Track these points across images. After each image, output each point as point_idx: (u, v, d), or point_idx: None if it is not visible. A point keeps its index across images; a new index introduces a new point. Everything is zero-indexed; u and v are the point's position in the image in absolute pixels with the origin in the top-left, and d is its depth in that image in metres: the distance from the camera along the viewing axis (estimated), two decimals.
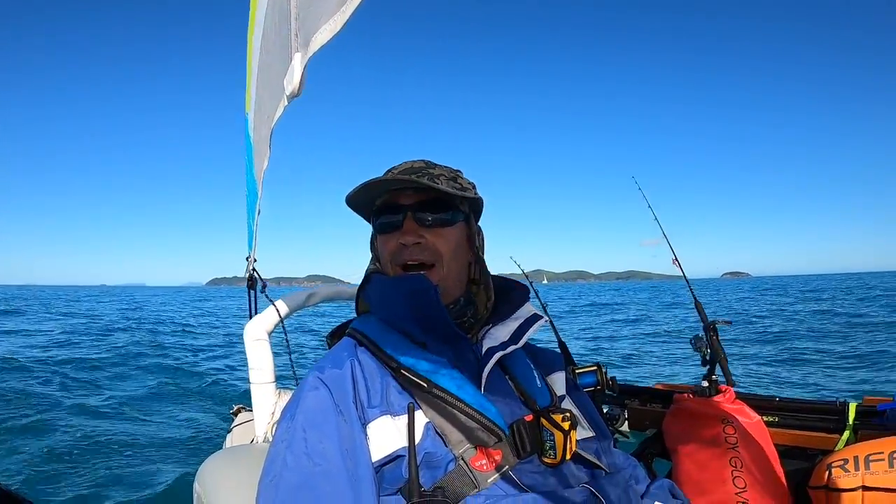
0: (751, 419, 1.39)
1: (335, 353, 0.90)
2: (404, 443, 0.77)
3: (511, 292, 0.99)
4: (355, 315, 1.02)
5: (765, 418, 1.43)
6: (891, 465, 1.09)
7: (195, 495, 1.03)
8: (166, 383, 6.63)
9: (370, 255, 1.01)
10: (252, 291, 1.50)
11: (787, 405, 1.54)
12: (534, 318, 0.96)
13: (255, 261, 1.49)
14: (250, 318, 1.25)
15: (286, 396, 1.16)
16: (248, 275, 1.49)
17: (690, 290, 2.05)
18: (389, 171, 0.94)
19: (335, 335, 1.01)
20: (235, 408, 1.71)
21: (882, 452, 1.15)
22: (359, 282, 1.01)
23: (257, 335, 1.17)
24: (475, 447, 0.79)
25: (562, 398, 0.96)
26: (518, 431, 0.83)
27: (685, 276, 2.13)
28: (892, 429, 1.27)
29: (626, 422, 1.91)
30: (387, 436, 0.79)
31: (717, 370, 1.69)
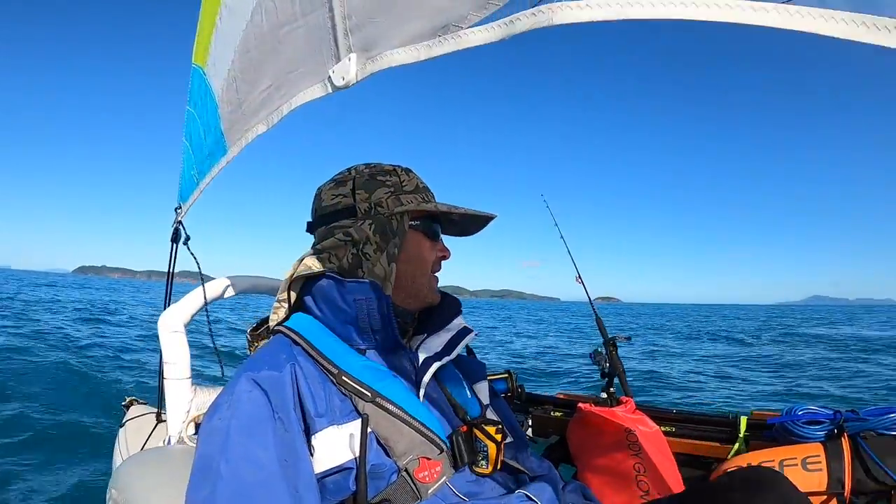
0: (650, 429, 1.50)
1: (270, 353, 0.84)
2: (351, 454, 0.76)
3: (444, 302, 1.00)
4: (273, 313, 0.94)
5: (663, 428, 1.55)
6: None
7: (110, 502, 0.95)
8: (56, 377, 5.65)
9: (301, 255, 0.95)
10: (174, 245, 1.48)
11: (684, 417, 1.69)
12: (465, 331, 0.98)
13: (184, 213, 1.47)
14: (168, 284, 1.18)
15: (203, 394, 1.08)
16: (173, 227, 1.47)
17: (593, 308, 2.19)
18: (411, 176, 0.97)
19: (258, 332, 0.95)
20: (127, 400, 1.62)
21: (772, 461, 1.28)
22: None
23: (173, 326, 1.11)
24: (418, 458, 0.79)
25: (486, 407, 0.99)
26: (456, 443, 0.85)
27: (588, 296, 2.26)
28: (780, 440, 1.41)
29: (531, 428, 1.99)
30: (334, 447, 0.76)
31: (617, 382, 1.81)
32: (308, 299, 0.90)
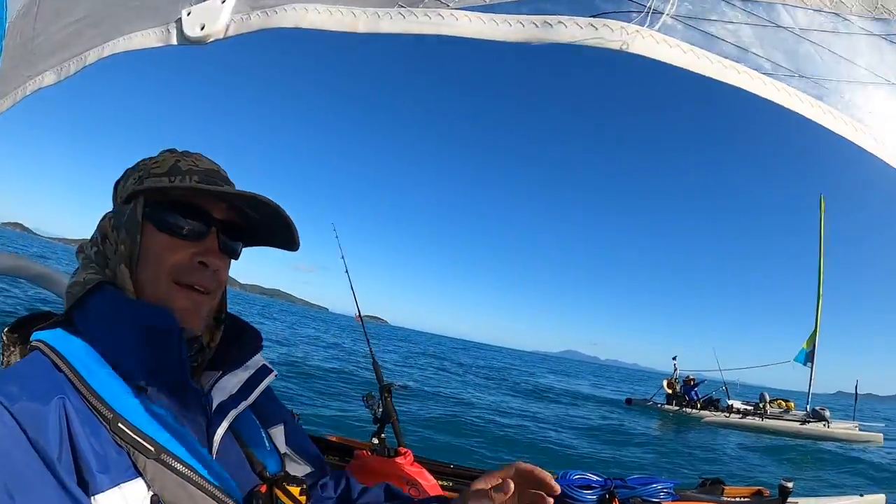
0: (429, 482, 1.54)
1: (29, 375, 0.63)
2: None
3: (243, 335, 0.85)
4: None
5: (441, 483, 1.61)
6: None
7: None
8: None
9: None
10: None
11: (461, 472, 1.79)
12: (265, 371, 0.86)
13: None
14: None
15: None
16: None
17: (370, 350, 2.19)
18: (183, 159, 0.74)
19: (20, 333, 0.71)
20: None
21: None
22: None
23: None
24: None
25: (285, 457, 0.87)
26: None
27: (366, 334, 2.28)
28: (554, 501, 1.61)
29: None
30: None
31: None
32: (77, 313, 0.70)
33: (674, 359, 16.79)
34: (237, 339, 0.83)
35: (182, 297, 0.70)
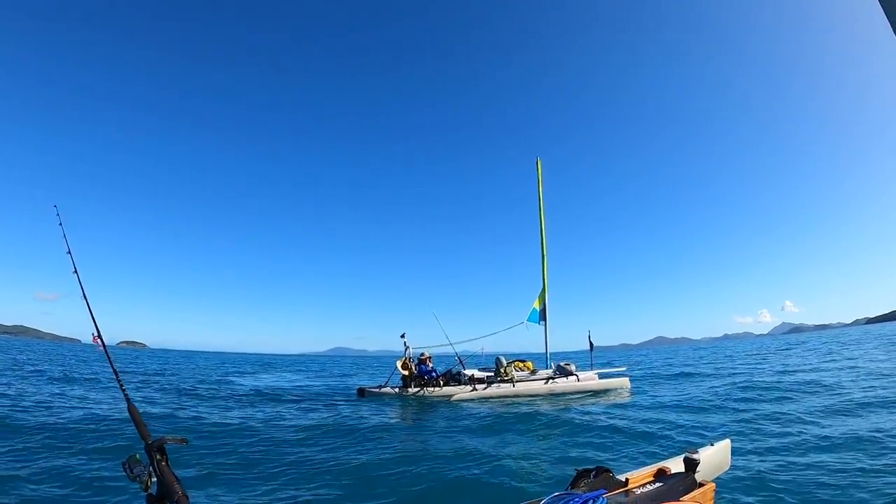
0: None
1: None
2: None
3: None
4: None
5: None
6: None
7: None
8: None
9: None
10: None
11: None
12: None
13: None
14: None
15: None
16: None
17: (121, 386, 1.66)
18: None
19: None
20: None
21: None
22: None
23: None
24: None
25: None
26: None
27: (111, 361, 1.73)
28: None
29: None
30: None
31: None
32: None
33: (402, 336, 14.22)
34: None
35: None
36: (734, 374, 15.86)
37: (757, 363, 20.33)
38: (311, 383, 18.99)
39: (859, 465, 4.68)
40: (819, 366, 16.27)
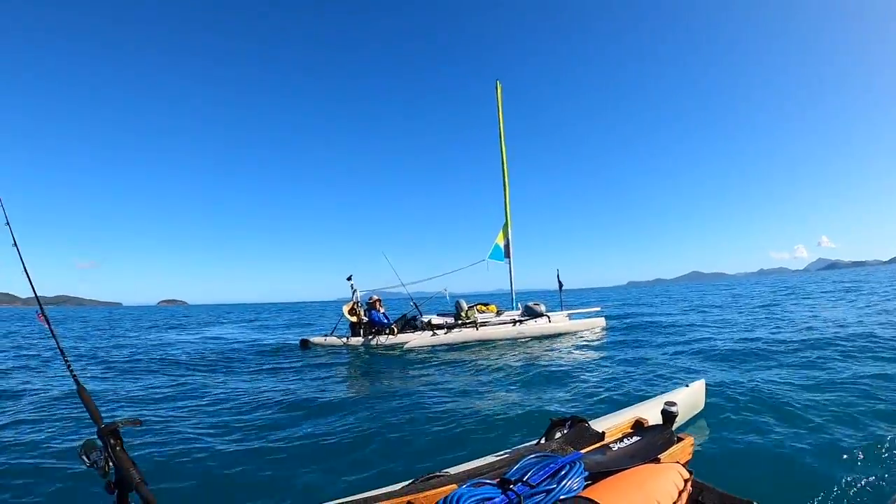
0: None
1: None
2: None
3: None
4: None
5: None
6: None
7: None
8: None
9: None
10: None
11: None
12: None
13: None
14: None
15: None
16: None
17: (65, 359, 1.62)
18: None
19: None
20: None
21: None
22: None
23: None
24: None
25: None
26: None
27: (56, 339, 1.64)
28: None
29: None
30: None
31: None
32: None
33: (349, 279, 12.65)
34: None
35: None
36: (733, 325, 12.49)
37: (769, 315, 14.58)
38: (258, 336, 16.84)
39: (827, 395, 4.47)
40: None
